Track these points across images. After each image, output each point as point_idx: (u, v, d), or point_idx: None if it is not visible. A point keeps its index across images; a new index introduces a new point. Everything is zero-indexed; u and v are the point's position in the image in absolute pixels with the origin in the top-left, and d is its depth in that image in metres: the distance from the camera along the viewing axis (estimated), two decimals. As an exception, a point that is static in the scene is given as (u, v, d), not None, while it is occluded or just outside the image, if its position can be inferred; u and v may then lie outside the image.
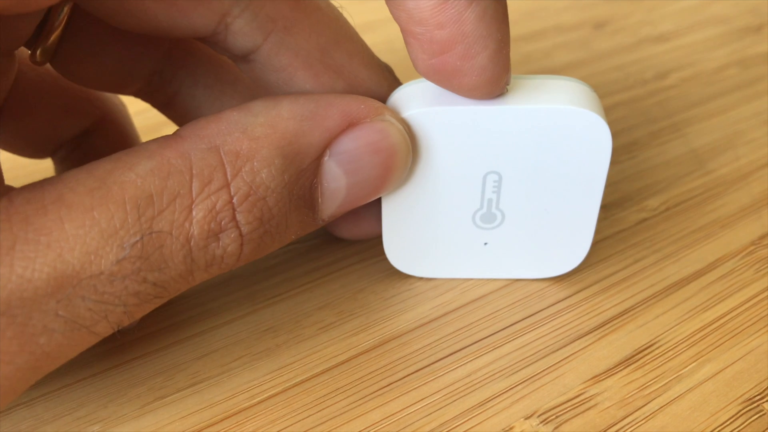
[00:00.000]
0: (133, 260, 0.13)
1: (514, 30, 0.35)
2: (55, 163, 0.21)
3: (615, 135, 0.27)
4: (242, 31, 0.15)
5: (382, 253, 0.19)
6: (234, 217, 0.14)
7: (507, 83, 0.16)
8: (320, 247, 0.21)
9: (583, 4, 0.38)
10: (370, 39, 0.21)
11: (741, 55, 0.33)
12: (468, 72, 0.15)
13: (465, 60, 0.15)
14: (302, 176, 0.15)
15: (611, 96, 0.30)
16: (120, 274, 0.13)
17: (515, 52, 0.33)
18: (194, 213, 0.14)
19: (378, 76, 0.18)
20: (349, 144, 0.16)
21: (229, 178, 0.14)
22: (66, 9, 0.16)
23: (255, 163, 0.14)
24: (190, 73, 0.18)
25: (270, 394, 0.17)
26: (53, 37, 0.16)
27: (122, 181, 0.13)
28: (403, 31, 0.15)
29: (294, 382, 0.17)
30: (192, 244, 0.14)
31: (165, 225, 0.14)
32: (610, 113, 0.29)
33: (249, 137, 0.14)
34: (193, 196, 0.14)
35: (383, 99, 0.18)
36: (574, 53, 0.33)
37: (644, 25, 0.36)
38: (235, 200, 0.14)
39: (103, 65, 0.17)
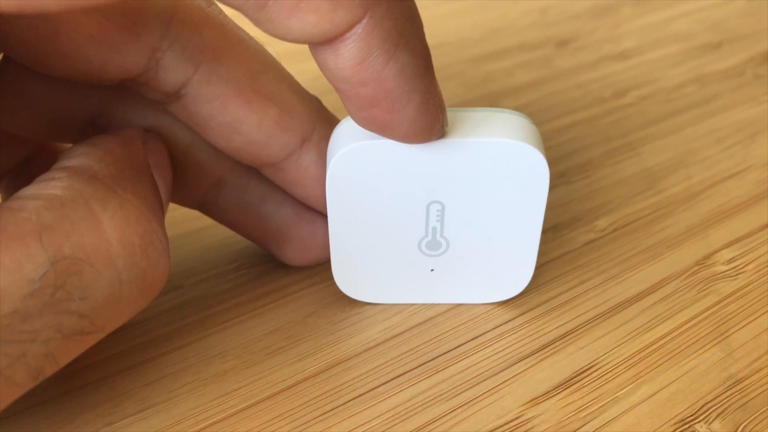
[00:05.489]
0: (47, 290, 0.13)
1: (478, 49, 0.36)
2: None
3: (570, 155, 0.28)
4: (172, 65, 0.16)
5: (332, 277, 0.20)
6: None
7: (443, 127, 0.16)
8: (271, 271, 0.22)
9: (548, 20, 0.39)
10: (300, 67, 0.21)
11: (699, 72, 0.34)
12: (398, 124, 0.15)
13: (393, 113, 0.15)
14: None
15: (569, 115, 0.30)
16: (35, 308, 0.13)
17: (478, 71, 0.34)
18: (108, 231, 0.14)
19: (308, 101, 0.18)
20: None
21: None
22: None
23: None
24: (125, 121, 0.18)
25: (214, 420, 0.17)
26: None
27: (15, 220, 0.13)
28: (332, 85, 0.15)
29: (239, 408, 0.18)
30: (119, 264, 0.14)
31: (77, 250, 0.13)
32: (566, 133, 0.29)
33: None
34: (98, 216, 0.14)
35: (314, 124, 0.18)
36: (536, 72, 0.34)
37: (607, 42, 0.37)
38: None
39: (36, 116, 0.17)
